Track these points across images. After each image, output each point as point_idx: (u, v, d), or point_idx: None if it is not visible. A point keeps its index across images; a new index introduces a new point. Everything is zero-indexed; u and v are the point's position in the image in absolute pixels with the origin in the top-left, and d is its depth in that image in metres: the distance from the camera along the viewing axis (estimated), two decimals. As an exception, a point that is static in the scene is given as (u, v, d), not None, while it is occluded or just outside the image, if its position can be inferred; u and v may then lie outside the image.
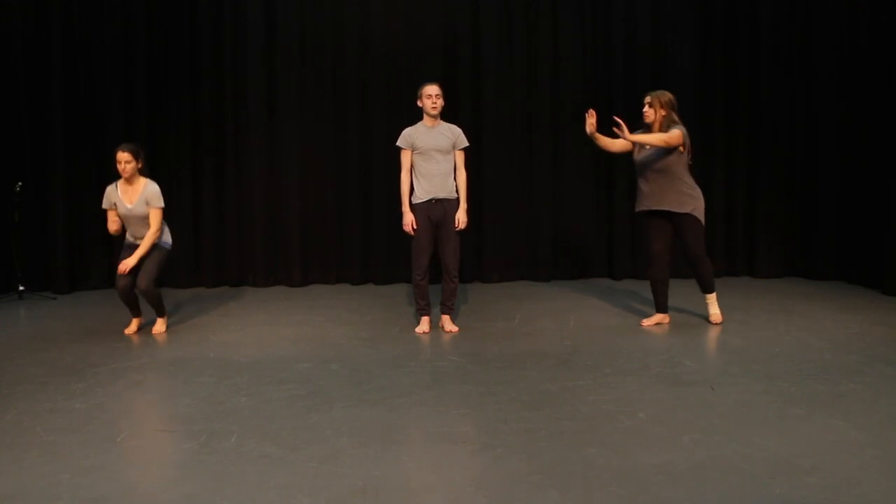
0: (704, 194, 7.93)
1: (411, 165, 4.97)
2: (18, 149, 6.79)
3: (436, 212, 4.93)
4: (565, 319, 5.41)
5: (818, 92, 6.85)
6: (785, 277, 6.95)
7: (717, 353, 4.40)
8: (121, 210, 4.96)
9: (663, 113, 4.87)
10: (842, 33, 6.69)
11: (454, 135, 5.01)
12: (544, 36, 7.11)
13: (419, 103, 4.98)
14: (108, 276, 7.01)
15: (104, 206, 5.01)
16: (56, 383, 3.96)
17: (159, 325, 5.18)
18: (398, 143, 5.00)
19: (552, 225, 7.20)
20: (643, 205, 5.01)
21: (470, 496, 2.58)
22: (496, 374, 4.02)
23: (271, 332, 5.15)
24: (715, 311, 5.14)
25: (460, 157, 5.03)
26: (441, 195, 4.93)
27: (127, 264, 4.89)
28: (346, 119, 7.06)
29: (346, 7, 6.98)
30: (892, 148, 6.14)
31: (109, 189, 5.00)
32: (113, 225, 5.02)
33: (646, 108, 4.90)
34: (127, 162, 4.88)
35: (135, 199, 4.93)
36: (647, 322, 5.15)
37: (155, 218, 4.95)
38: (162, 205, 4.99)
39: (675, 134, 4.72)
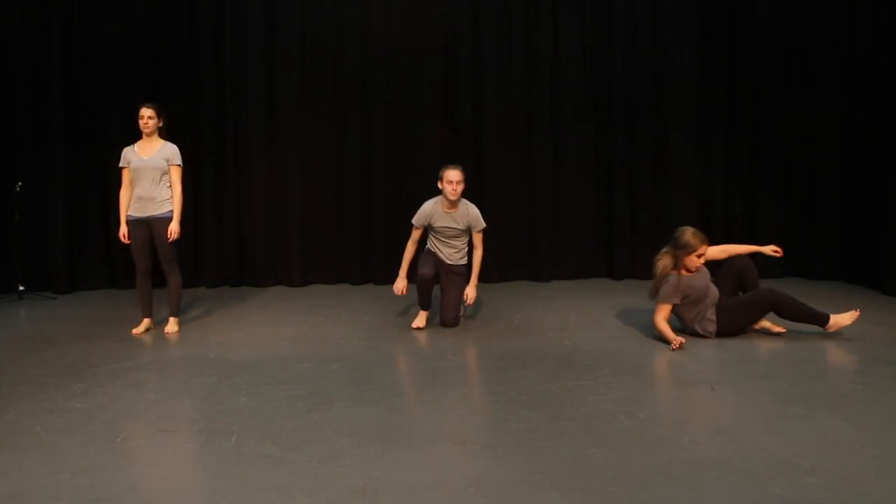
0: (705, 194, 7.91)
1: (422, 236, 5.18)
2: (18, 149, 6.79)
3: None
4: (565, 319, 5.41)
5: (818, 92, 6.85)
6: (785, 277, 6.94)
7: (717, 353, 4.40)
8: (135, 163, 4.96)
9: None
10: (842, 33, 6.69)
11: (470, 220, 5.09)
12: (544, 36, 7.10)
13: (440, 185, 5.03)
14: (108, 276, 7.02)
15: (121, 164, 5.05)
16: (56, 383, 3.96)
17: (171, 325, 5.15)
18: (413, 222, 5.12)
19: (552, 225, 7.20)
20: None
21: (470, 496, 2.57)
22: (496, 374, 4.02)
23: (271, 332, 5.15)
24: None
25: (477, 238, 5.14)
26: (448, 263, 5.17)
27: (173, 230, 4.93)
28: (346, 119, 7.06)
29: (346, 7, 6.98)
30: (892, 148, 6.14)
31: (126, 148, 5.06)
32: (125, 191, 5.01)
33: (702, 259, 4.64)
34: (150, 117, 4.98)
35: (152, 153, 4.98)
36: None
37: (176, 177, 5.00)
38: (181, 163, 5.03)
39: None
